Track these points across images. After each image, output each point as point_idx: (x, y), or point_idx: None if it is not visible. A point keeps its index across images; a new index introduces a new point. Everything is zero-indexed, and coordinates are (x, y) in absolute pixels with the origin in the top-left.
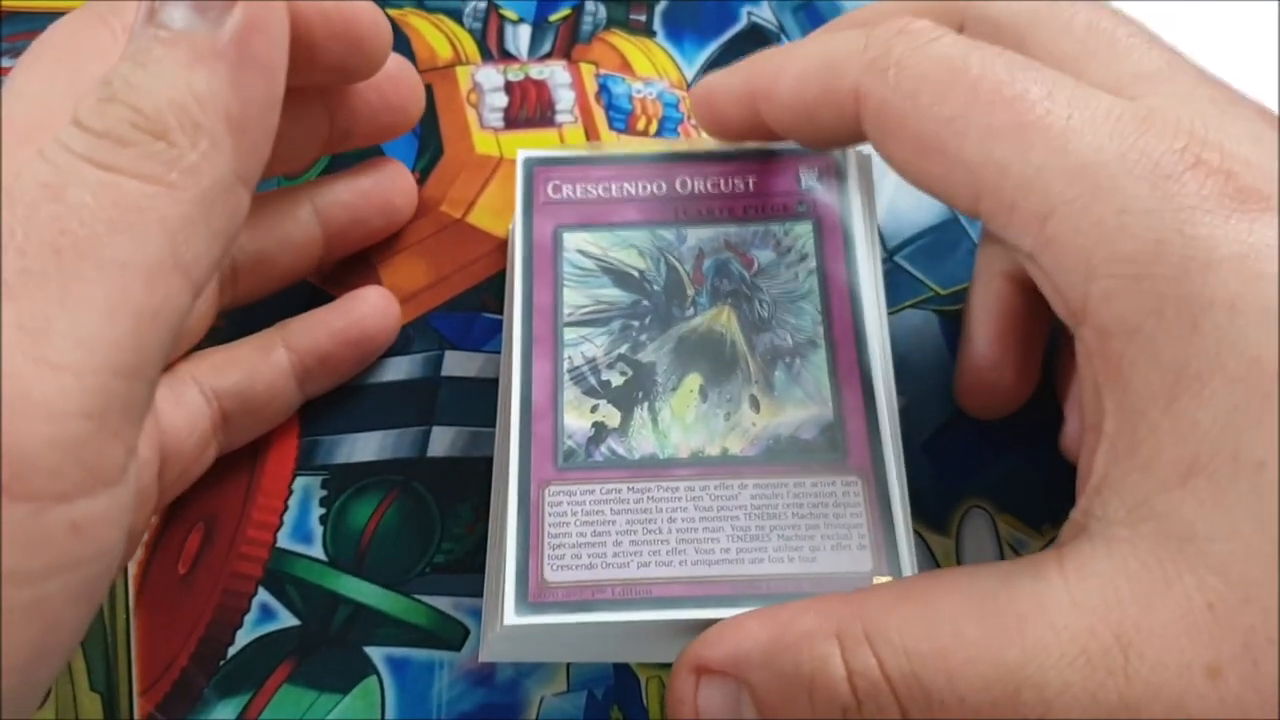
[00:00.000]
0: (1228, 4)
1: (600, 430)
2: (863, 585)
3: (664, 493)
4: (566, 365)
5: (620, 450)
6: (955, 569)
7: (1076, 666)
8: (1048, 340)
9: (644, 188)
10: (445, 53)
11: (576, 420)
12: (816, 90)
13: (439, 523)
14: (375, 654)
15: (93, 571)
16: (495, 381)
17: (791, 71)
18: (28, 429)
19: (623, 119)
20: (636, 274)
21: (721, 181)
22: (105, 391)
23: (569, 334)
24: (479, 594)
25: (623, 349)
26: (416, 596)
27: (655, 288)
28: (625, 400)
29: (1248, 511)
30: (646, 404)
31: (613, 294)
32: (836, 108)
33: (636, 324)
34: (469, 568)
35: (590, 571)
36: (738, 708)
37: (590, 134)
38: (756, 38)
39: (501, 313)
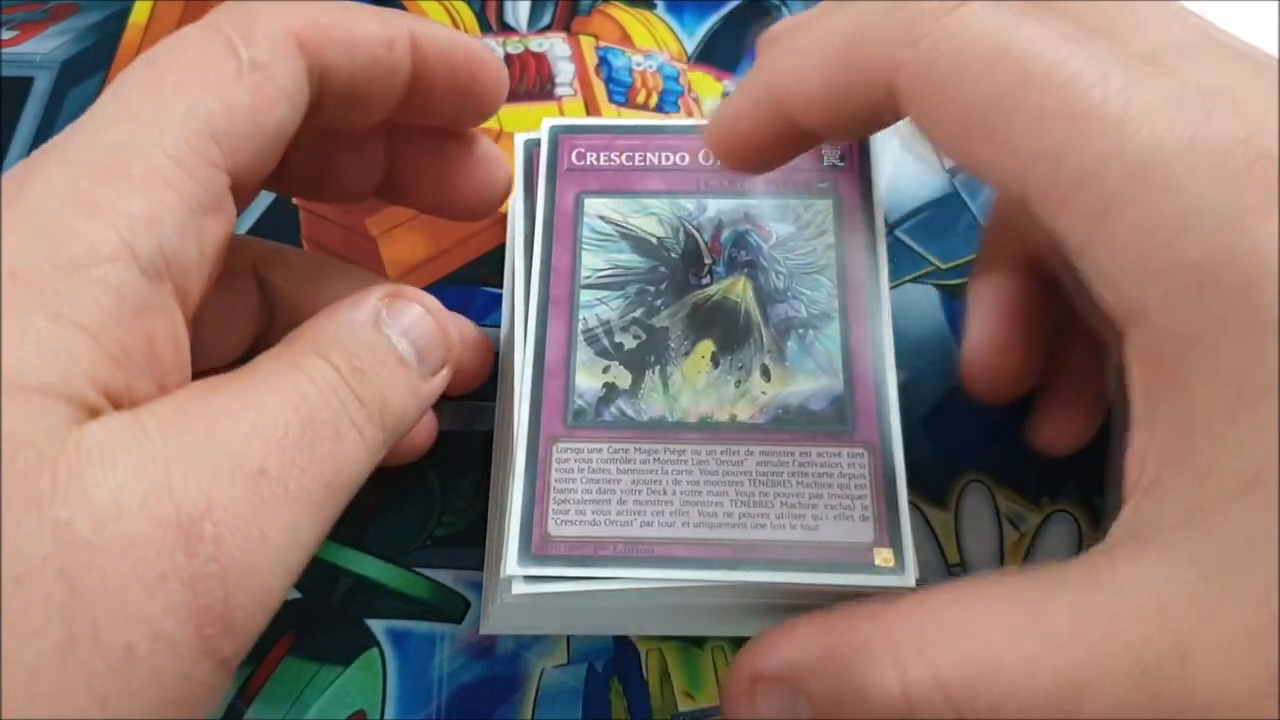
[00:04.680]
0: (1228, 4)
1: (611, 391)
2: (863, 556)
3: (671, 455)
4: (581, 326)
5: (630, 411)
6: (1004, 574)
7: (1133, 676)
8: (1055, 324)
9: (667, 158)
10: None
11: (588, 380)
12: (847, 72)
13: (440, 496)
14: (376, 626)
15: None
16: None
17: (814, 59)
18: (257, 616)
19: (622, 92)
20: (655, 241)
21: None
22: (283, 599)
23: (585, 296)
24: (479, 567)
25: (637, 313)
26: (417, 569)
27: (673, 255)
28: (637, 363)
29: None
30: (658, 368)
31: (630, 259)
32: (868, 88)
33: (652, 289)
34: (469, 541)
35: (593, 528)
36: (795, 711)
37: (590, 107)
38: (758, 10)
39: (501, 286)
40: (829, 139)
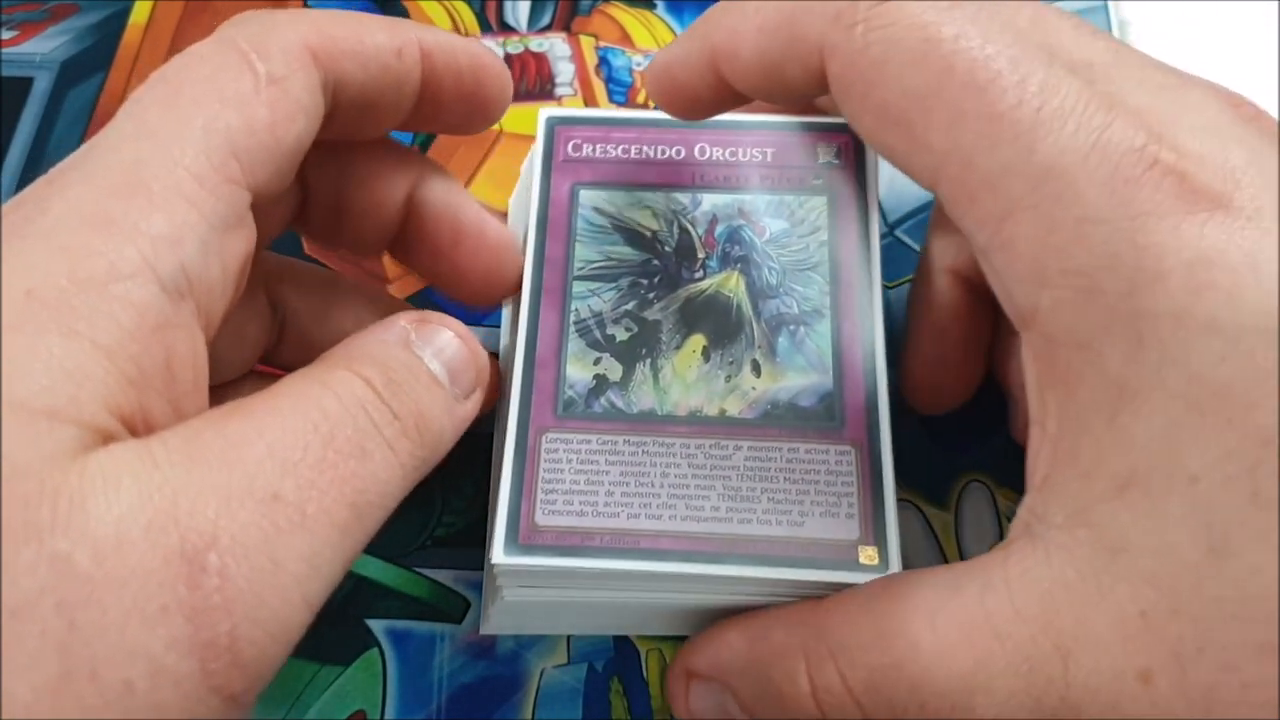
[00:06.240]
0: (1228, 4)
1: (601, 382)
2: (848, 553)
3: (659, 448)
4: (573, 318)
5: (620, 403)
6: (912, 575)
7: (1021, 674)
8: (991, 335)
9: (663, 151)
10: (444, 25)
11: (579, 371)
12: (781, 44)
13: (440, 496)
14: (376, 626)
15: None
16: (496, 356)
17: (752, 25)
18: (270, 649)
19: (622, 92)
20: (649, 234)
21: (740, 151)
22: (303, 629)
23: (578, 287)
24: (480, 567)
25: (629, 305)
26: (418, 569)
27: (666, 249)
28: (628, 355)
29: (1180, 524)
30: (649, 360)
31: (624, 251)
32: (802, 64)
33: (645, 282)
34: (470, 541)
35: (581, 519)
36: (724, 708)
37: (590, 107)
38: None
39: None
40: (762, 101)
